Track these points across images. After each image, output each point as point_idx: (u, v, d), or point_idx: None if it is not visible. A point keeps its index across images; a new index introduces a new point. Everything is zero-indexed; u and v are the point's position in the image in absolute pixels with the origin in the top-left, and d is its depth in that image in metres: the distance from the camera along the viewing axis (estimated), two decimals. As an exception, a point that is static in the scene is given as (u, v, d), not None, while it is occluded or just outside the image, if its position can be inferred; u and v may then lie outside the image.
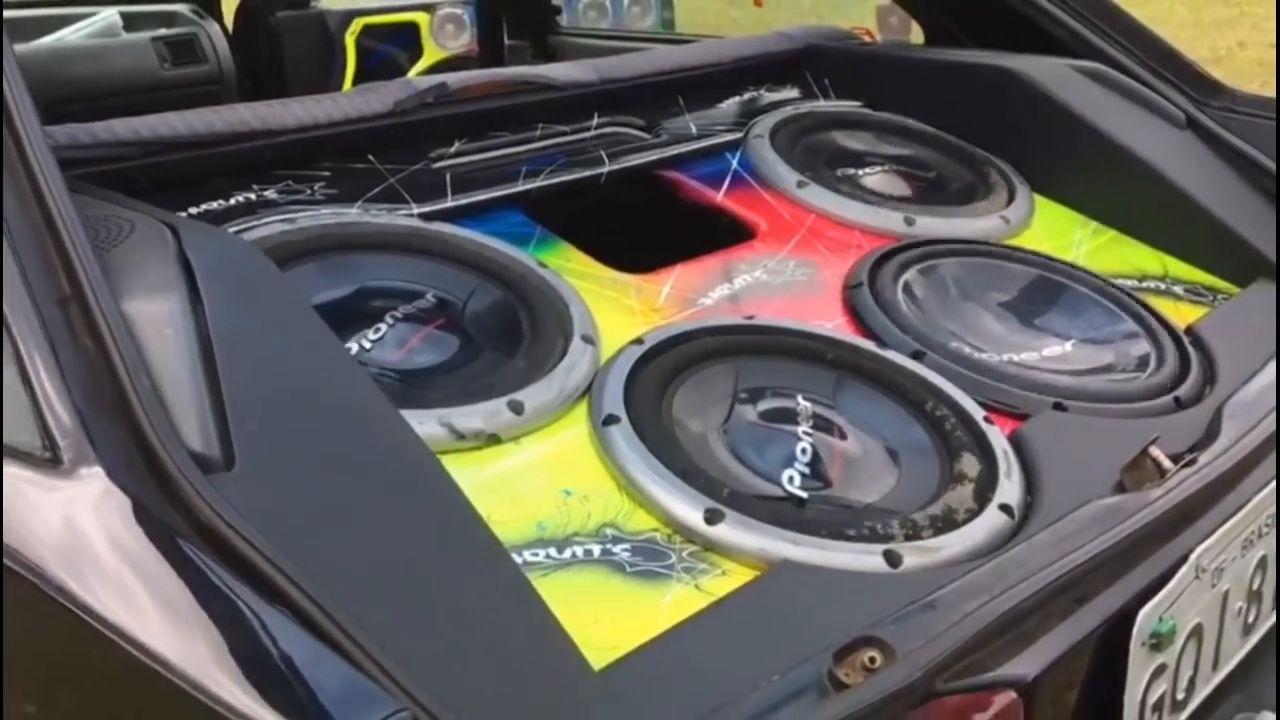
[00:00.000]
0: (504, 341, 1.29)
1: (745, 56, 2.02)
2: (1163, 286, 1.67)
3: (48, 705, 0.81)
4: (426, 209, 1.47)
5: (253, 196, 1.40)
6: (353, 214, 1.42)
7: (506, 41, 3.14)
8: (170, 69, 3.37)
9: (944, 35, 2.17)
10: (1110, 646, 0.98)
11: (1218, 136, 1.83)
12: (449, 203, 1.50)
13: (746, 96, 1.98)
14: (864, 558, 1.04)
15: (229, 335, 0.91)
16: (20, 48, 2.93)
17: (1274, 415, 1.25)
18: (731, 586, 1.00)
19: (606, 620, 0.95)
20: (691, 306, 1.42)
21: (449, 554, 0.87)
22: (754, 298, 1.47)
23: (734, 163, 1.77)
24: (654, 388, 1.22)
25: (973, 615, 0.91)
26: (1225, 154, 1.83)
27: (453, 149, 1.60)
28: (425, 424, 1.06)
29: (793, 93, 2.04)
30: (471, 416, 1.11)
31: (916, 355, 1.35)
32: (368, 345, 1.23)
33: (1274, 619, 1.25)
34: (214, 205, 1.36)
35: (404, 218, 1.44)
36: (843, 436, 1.25)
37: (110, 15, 3.44)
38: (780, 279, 1.52)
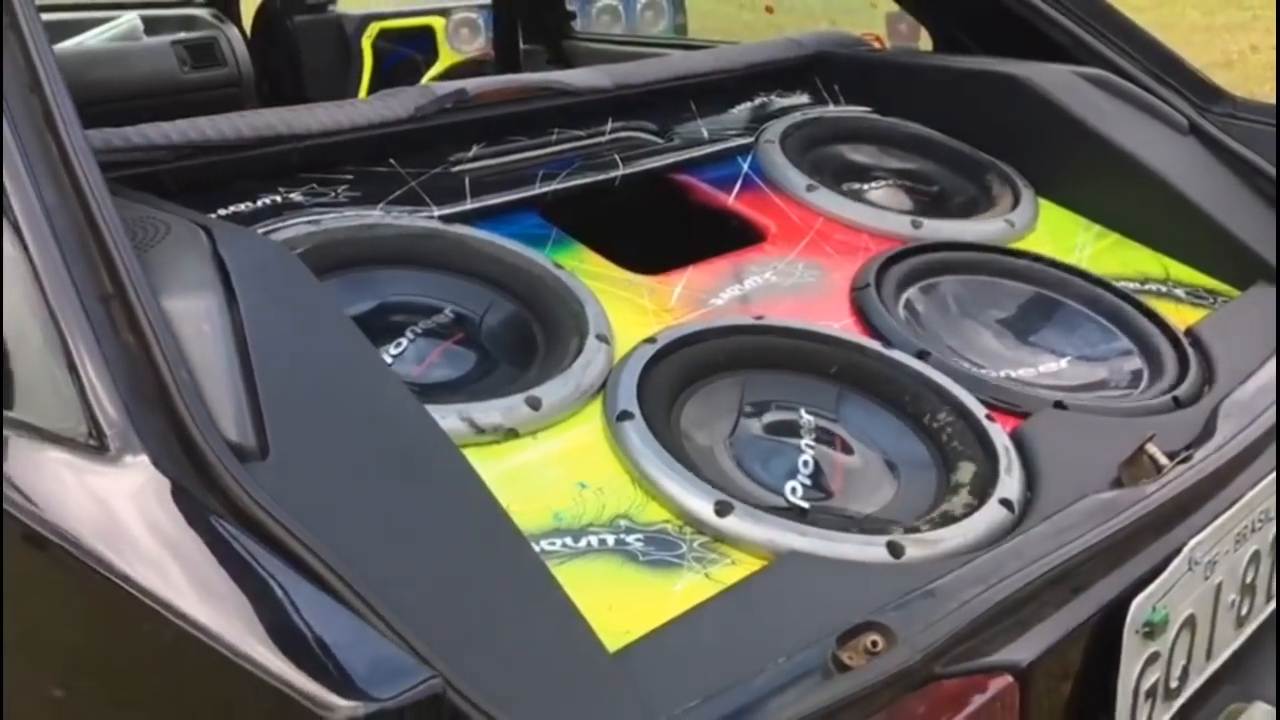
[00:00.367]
0: (520, 354, 1.33)
1: (756, 63, 2.06)
2: (1164, 289, 1.71)
3: (82, 678, 0.85)
4: (446, 211, 1.52)
5: (279, 199, 1.45)
6: (375, 216, 1.46)
7: (521, 46, 3.19)
8: (190, 72, 3.42)
9: (952, 42, 2.20)
10: (1104, 634, 1.02)
11: (1219, 142, 1.86)
12: (468, 205, 1.54)
13: (758, 102, 2.02)
14: (868, 549, 1.08)
15: (262, 332, 0.95)
16: (45, 51, 2.96)
17: (1268, 413, 1.28)
18: (740, 575, 1.05)
19: (620, 606, 0.99)
20: (702, 307, 1.46)
21: (471, 540, 0.92)
22: (764, 299, 1.51)
23: (745, 167, 1.81)
24: (666, 387, 1.26)
25: (970, 603, 0.95)
26: (1227, 159, 1.86)
27: (471, 153, 1.64)
28: (446, 418, 1.11)
29: (803, 98, 2.08)
30: (490, 411, 1.15)
31: (921, 355, 1.39)
32: (388, 360, 1.28)
33: (1267, 611, 1.29)
34: (242, 207, 1.41)
35: (424, 220, 1.49)
36: (845, 450, 1.29)
37: (131, 19, 3.50)
38: (789, 280, 1.56)
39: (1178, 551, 1.09)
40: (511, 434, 1.16)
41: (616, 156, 1.73)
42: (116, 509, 0.77)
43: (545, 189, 1.62)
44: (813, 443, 1.27)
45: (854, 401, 1.33)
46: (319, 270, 1.28)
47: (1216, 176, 1.85)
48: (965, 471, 1.23)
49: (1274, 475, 1.24)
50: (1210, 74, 2.02)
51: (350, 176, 1.53)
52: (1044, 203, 1.87)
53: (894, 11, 2.49)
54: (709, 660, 0.92)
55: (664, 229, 1.69)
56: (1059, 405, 1.35)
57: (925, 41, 2.34)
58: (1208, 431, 1.28)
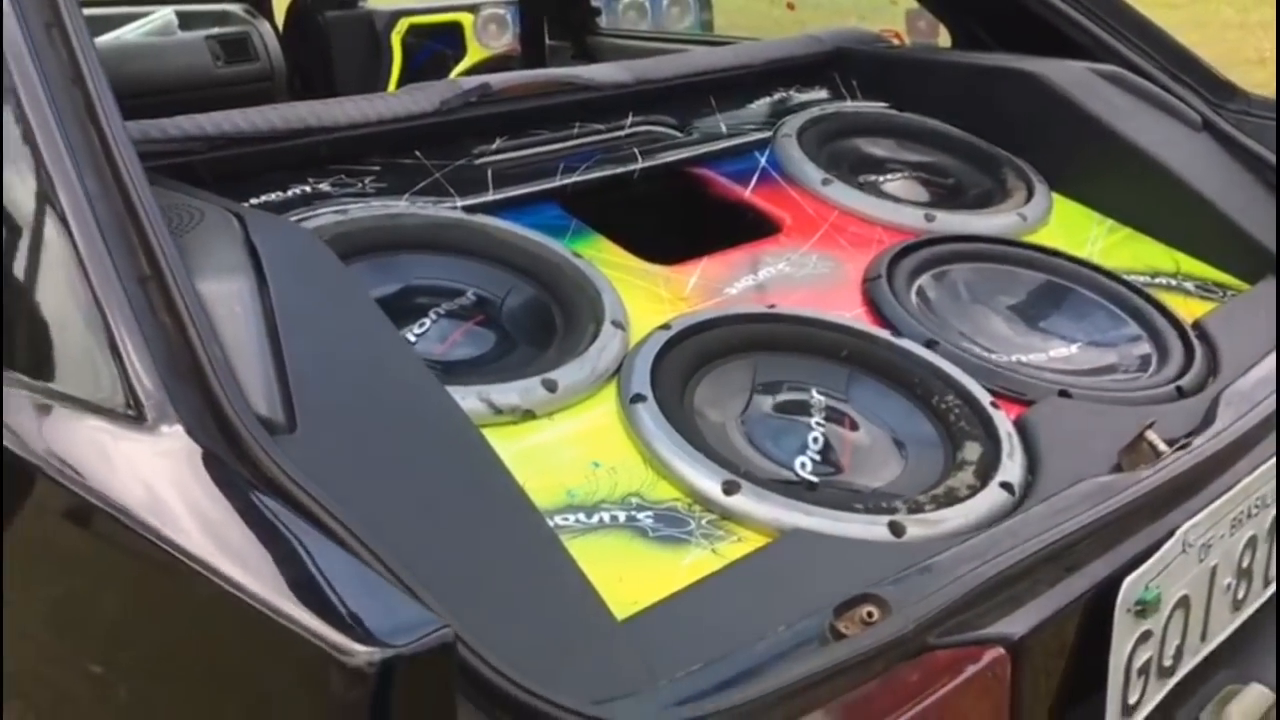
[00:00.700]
0: (539, 335, 1.38)
1: (776, 59, 2.10)
2: (1174, 283, 1.74)
3: (118, 639, 0.90)
4: (469, 202, 1.57)
5: (308, 189, 1.50)
6: (400, 206, 1.51)
7: (548, 42, 3.23)
8: (223, 66, 3.49)
9: (970, 39, 2.23)
10: (1097, 612, 1.05)
11: (1232, 138, 1.89)
12: (490, 196, 1.59)
13: (776, 97, 2.06)
14: (870, 528, 1.12)
15: (291, 313, 1.00)
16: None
17: (1267, 403, 1.31)
18: (746, 551, 1.09)
19: (630, 578, 1.04)
20: (717, 296, 1.51)
21: (486, 512, 0.96)
22: (777, 289, 1.55)
23: (762, 161, 1.85)
24: (679, 371, 1.31)
25: (964, 577, 0.99)
26: (1239, 155, 1.89)
27: (494, 146, 1.69)
28: (466, 399, 1.15)
29: (821, 94, 2.12)
30: (509, 393, 1.20)
31: (930, 344, 1.43)
32: (412, 339, 1.33)
33: (1265, 596, 1.31)
34: (273, 197, 1.46)
35: (448, 210, 1.54)
36: (854, 428, 1.33)
37: (166, 14, 3.57)
38: (803, 271, 1.60)
39: (1172, 534, 1.12)
40: (529, 415, 1.21)
41: (636, 150, 1.78)
42: (151, 473, 0.82)
43: (565, 181, 1.67)
44: (822, 420, 1.31)
45: (863, 383, 1.37)
46: (346, 257, 1.34)
47: (1228, 172, 1.87)
48: (971, 450, 1.26)
49: (1272, 462, 1.27)
50: (1243, 72, 2.04)
51: (377, 168, 1.58)
52: (1058, 197, 1.89)
53: (914, 8, 2.52)
54: (712, 629, 0.97)
55: (681, 221, 1.73)
56: (1064, 394, 1.38)
57: (944, 38, 2.37)
58: (1208, 420, 1.31)
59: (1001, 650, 0.97)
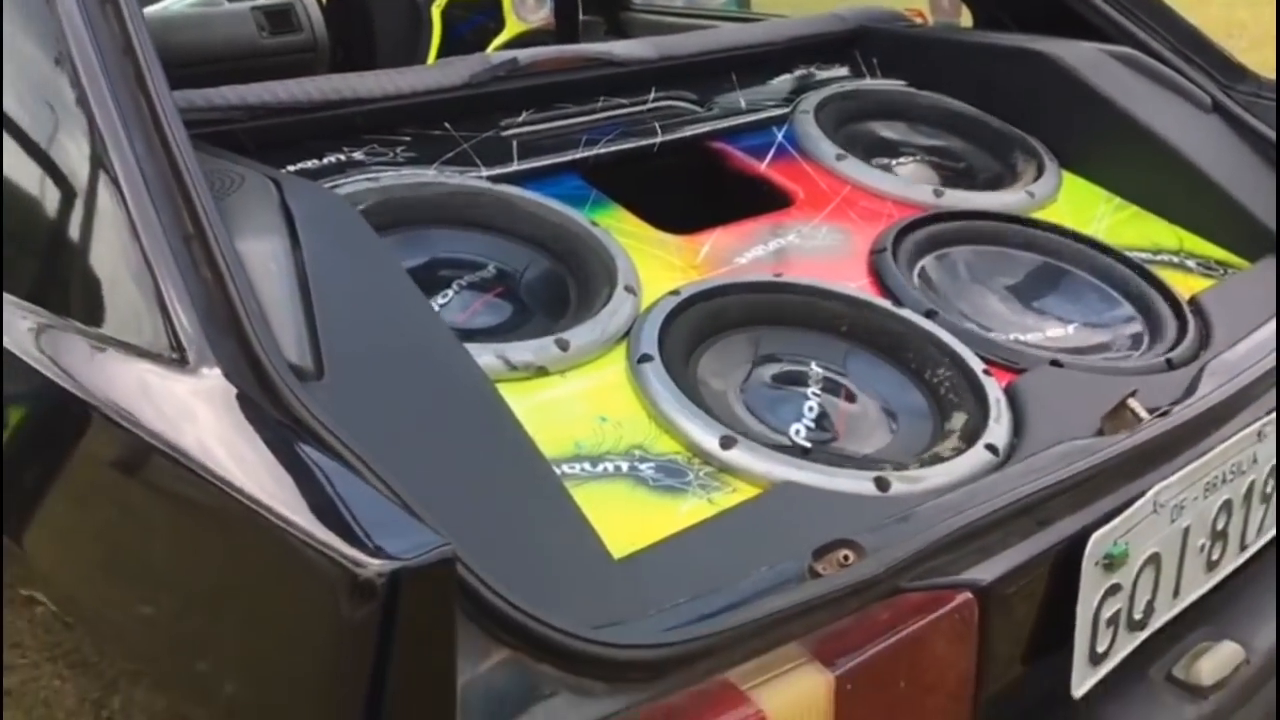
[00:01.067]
0: (555, 307, 1.46)
1: (798, 36, 2.16)
2: (1176, 260, 1.79)
3: (161, 563, 1.00)
4: (494, 172, 1.65)
5: (343, 157, 1.59)
6: (429, 175, 1.60)
7: (581, 17, 3.30)
8: (268, 37, 3.57)
9: (991, 19, 2.28)
10: (1066, 564, 1.12)
11: (1240, 119, 1.93)
12: (514, 167, 1.67)
13: (797, 74, 2.12)
14: (857, 483, 1.20)
15: (321, 272, 1.09)
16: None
17: (1246, 374, 1.37)
18: (739, 500, 1.17)
19: (629, 522, 1.12)
20: (727, 264, 1.58)
21: (496, 456, 1.05)
22: (785, 259, 1.62)
23: (779, 136, 1.92)
24: (686, 335, 1.38)
25: (937, 526, 1.06)
26: (1248, 137, 1.93)
27: (520, 118, 1.77)
28: (483, 356, 1.24)
29: (842, 71, 2.18)
30: (523, 351, 1.28)
31: (929, 314, 1.49)
32: (435, 309, 1.41)
33: (1241, 559, 1.38)
34: (309, 164, 1.55)
35: (474, 179, 1.62)
36: (849, 399, 1.40)
37: (213, -15, 3.66)
38: (812, 243, 1.67)
39: (1143, 494, 1.19)
40: (542, 371, 1.29)
41: (656, 124, 1.85)
42: (192, 410, 0.92)
43: (587, 153, 1.74)
44: (819, 391, 1.38)
45: (860, 356, 1.44)
46: (377, 223, 1.42)
47: (1235, 153, 1.92)
48: (958, 420, 1.33)
49: (1249, 430, 1.33)
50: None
51: (408, 138, 1.66)
52: (1068, 175, 1.95)
53: (938, -12, 2.56)
54: (702, 568, 1.05)
55: (698, 193, 1.81)
56: (1055, 363, 1.44)
57: (967, 18, 2.42)
58: (1190, 390, 1.38)
59: (970, 595, 1.04)
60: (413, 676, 0.77)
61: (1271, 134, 1.91)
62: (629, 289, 1.43)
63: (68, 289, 1.12)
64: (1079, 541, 1.13)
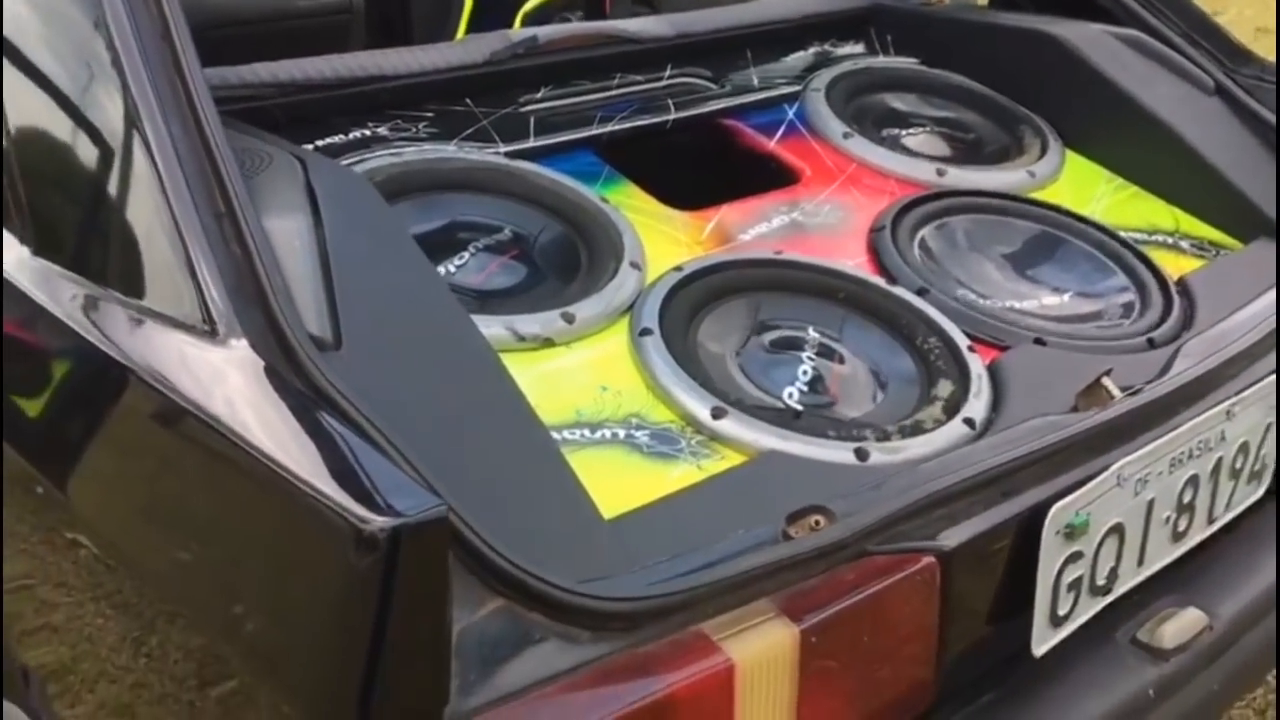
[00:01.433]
0: (566, 270, 1.54)
1: (813, 14, 2.21)
2: (1170, 240, 1.85)
3: (191, 516, 1.10)
4: (511, 148, 1.73)
5: (367, 133, 1.67)
6: (449, 150, 1.68)
7: (609, -15, 3.35)
8: (304, -1, 3.65)
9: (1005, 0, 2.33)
10: (1028, 533, 1.20)
11: (1242, 103, 1.98)
12: (531, 143, 1.75)
13: (810, 52, 2.18)
14: (838, 452, 1.28)
15: (341, 249, 1.18)
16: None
17: (1217, 355, 1.44)
18: (726, 467, 1.26)
19: (622, 486, 1.21)
20: (731, 241, 1.66)
21: (498, 423, 1.14)
22: (788, 236, 1.69)
23: (790, 114, 1.98)
24: (686, 309, 1.47)
25: (905, 494, 1.14)
26: (1249, 120, 1.98)
27: (539, 95, 1.84)
28: (493, 327, 1.33)
29: (856, 49, 2.23)
30: (530, 323, 1.37)
31: (921, 292, 1.57)
32: (453, 270, 1.50)
33: (1208, 531, 1.45)
34: (335, 139, 1.64)
35: (492, 155, 1.70)
36: (842, 363, 1.48)
37: (249, -52, 3.72)
38: (815, 220, 1.74)
39: (1106, 468, 1.26)
40: (548, 343, 1.38)
41: (670, 101, 1.92)
42: (221, 378, 1.01)
43: (602, 130, 1.82)
44: (814, 355, 1.46)
45: (856, 323, 1.51)
46: (397, 196, 1.51)
47: (1237, 136, 1.96)
48: (944, 387, 1.41)
49: (1218, 409, 1.40)
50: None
51: (431, 114, 1.75)
52: (1072, 155, 2.00)
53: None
54: (685, 529, 1.14)
55: (707, 169, 1.88)
56: (1038, 341, 1.52)
57: (983, -4, 2.46)
58: (1165, 369, 1.44)
59: (933, 559, 1.12)
60: (412, 619, 0.87)
61: (1272, 118, 1.95)
62: (634, 264, 1.51)
63: (106, 262, 1.21)
64: (1041, 511, 1.21)
